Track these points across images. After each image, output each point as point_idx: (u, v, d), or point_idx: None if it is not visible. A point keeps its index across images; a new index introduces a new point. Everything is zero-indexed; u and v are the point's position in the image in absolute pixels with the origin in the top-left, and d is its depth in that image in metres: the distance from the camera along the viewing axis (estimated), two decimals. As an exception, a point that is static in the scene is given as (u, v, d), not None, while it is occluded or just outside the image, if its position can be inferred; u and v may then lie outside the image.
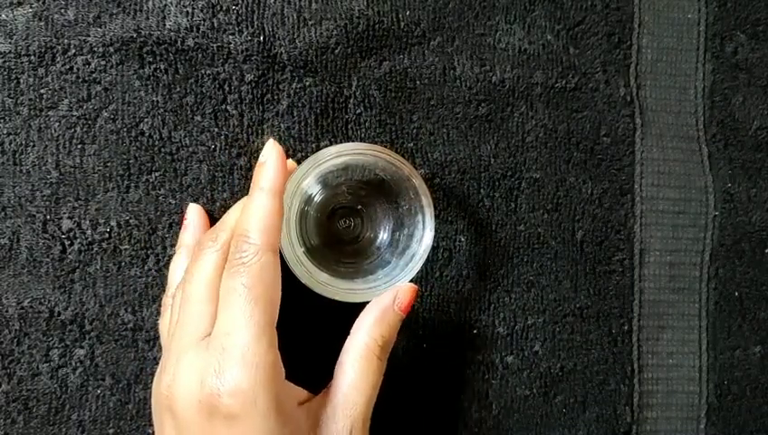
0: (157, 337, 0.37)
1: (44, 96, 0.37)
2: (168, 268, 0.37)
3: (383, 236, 0.38)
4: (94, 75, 0.37)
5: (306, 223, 0.37)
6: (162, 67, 0.37)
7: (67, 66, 0.37)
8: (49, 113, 0.37)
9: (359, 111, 0.39)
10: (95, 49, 0.37)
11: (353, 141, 0.39)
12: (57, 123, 0.37)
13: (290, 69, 0.38)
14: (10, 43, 0.37)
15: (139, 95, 0.37)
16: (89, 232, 0.37)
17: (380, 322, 0.33)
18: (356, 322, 0.33)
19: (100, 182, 0.37)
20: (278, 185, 0.31)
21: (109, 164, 0.37)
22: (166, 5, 0.37)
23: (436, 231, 0.35)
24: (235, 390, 0.27)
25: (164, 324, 0.34)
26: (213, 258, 0.31)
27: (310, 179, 0.34)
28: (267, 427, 0.28)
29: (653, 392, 0.41)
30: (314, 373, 0.34)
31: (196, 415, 0.28)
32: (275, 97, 0.38)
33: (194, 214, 0.36)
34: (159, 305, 0.37)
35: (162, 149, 0.38)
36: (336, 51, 0.38)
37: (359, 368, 0.32)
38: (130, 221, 0.37)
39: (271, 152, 0.31)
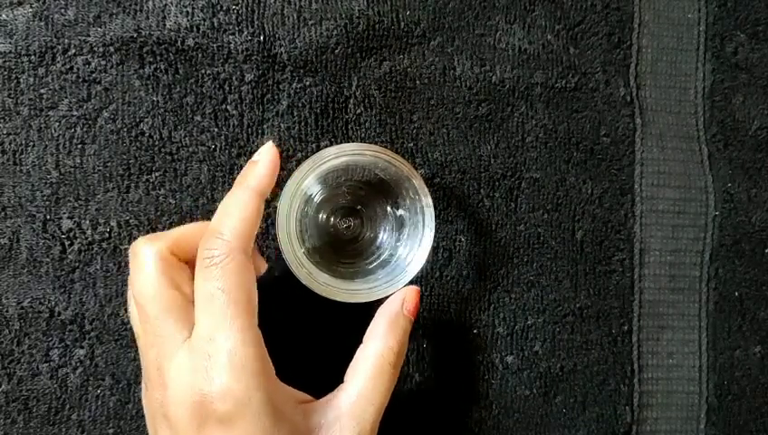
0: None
1: (44, 96, 0.37)
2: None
3: (383, 236, 0.38)
4: (94, 75, 0.37)
5: (306, 223, 0.37)
6: (162, 67, 0.37)
7: (67, 66, 0.37)
8: (49, 113, 0.37)
9: (359, 111, 0.39)
10: (95, 49, 0.37)
11: (353, 141, 0.39)
12: (57, 123, 0.37)
13: (290, 69, 0.38)
14: (10, 43, 0.37)
15: (140, 95, 0.37)
16: (89, 232, 0.37)
17: (393, 328, 0.33)
18: (368, 330, 0.33)
19: (100, 182, 0.37)
20: (265, 186, 0.31)
21: (109, 164, 0.37)
22: (166, 5, 0.37)
23: (436, 231, 0.35)
24: (225, 394, 0.27)
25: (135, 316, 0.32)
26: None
27: (310, 180, 0.34)
28: (262, 427, 0.28)
29: (653, 392, 0.41)
30: (314, 374, 0.34)
31: (190, 420, 0.28)
32: (275, 97, 0.38)
33: (268, 153, 0.32)
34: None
35: (162, 149, 0.38)
36: (336, 51, 0.38)
37: (371, 376, 0.31)
38: (130, 221, 0.37)
39: (267, 153, 0.31)
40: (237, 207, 0.30)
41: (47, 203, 0.37)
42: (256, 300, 0.30)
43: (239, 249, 0.29)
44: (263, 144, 0.38)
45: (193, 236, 0.32)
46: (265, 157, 0.31)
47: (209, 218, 0.37)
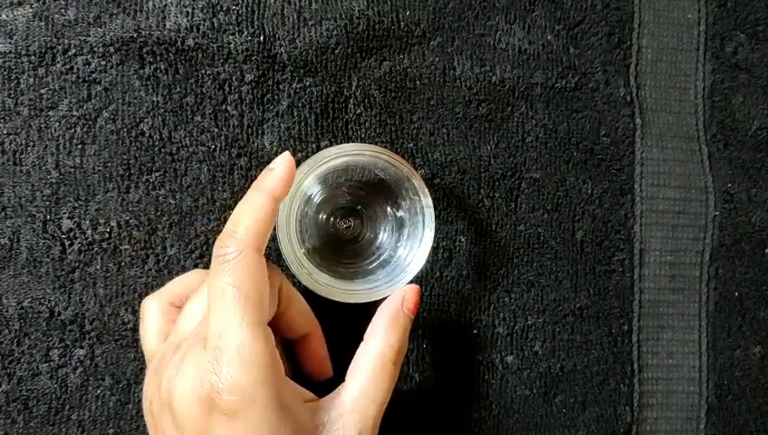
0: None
1: (44, 96, 0.37)
2: (167, 268, 0.37)
3: (383, 236, 0.38)
4: (94, 75, 0.37)
5: (306, 224, 0.37)
6: (162, 67, 0.37)
7: (67, 66, 0.37)
8: (49, 113, 0.37)
9: (359, 111, 0.39)
10: (95, 49, 0.37)
11: (353, 141, 0.39)
12: (57, 123, 0.37)
13: (290, 69, 0.38)
14: (10, 43, 0.37)
15: (140, 95, 0.37)
16: (89, 232, 0.37)
17: (393, 326, 0.33)
18: (369, 328, 0.33)
19: (100, 182, 0.37)
20: (280, 192, 0.31)
21: (109, 164, 0.37)
22: (166, 5, 0.37)
23: (436, 231, 0.35)
24: (234, 387, 0.27)
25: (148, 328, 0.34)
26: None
27: (310, 180, 0.34)
28: (268, 422, 0.28)
29: (653, 392, 0.41)
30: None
31: (197, 411, 0.28)
32: (275, 97, 0.38)
33: (284, 161, 0.32)
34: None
35: (162, 150, 0.38)
36: (336, 51, 0.38)
37: (372, 374, 0.31)
38: (130, 221, 0.37)
39: (283, 161, 0.31)
40: (251, 209, 0.30)
41: (47, 203, 0.37)
42: (267, 298, 0.30)
43: (251, 247, 0.30)
44: (263, 144, 0.38)
45: (187, 286, 0.34)
46: (282, 164, 0.31)
47: (209, 218, 0.38)
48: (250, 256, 0.29)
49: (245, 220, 0.30)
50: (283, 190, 0.31)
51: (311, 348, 0.36)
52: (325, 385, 0.32)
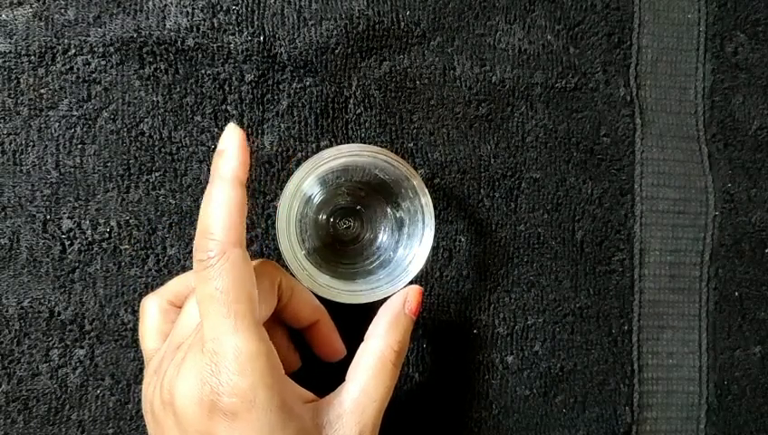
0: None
1: (44, 96, 0.37)
2: (167, 268, 0.37)
3: (383, 236, 0.38)
4: (94, 75, 0.37)
5: (306, 225, 0.37)
6: (162, 67, 0.37)
7: (67, 66, 0.37)
8: (49, 113, 0.37)
9: (359, 111, 0.39)
10: (95, 49, 0.37)
11: (353, 141, 0.39)
12: (57, 123, 0.37)
13: (290, 69, 0.38)
14: (10, 43, 0.37)
15: (140, 95, 0.37)
16: (89, 232, 0.37)
17: (394, 327, 0.33)
18: (369, 328, 0.33)
19: (100, 182, 0.37)
20: (240, 173, 0.30)
21: (109, 164, 0.37)
22: (166, 5, 0.37)
23: (436, 231, 0.35)
24: (233, 389, 0.27)
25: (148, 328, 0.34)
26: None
27: (309, 181, 0.34)
28: (268, 423, 0.28)
29: (653, 392, 0.41)
30: (317, 375, 0.34)
31: (198, 412, 0.28)
32: (275, 97, 0.38)
33: (232, 138, 0.30)
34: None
35: (162, 149, 0.38)
36: (336, 51, 0.38)
37: (372, 374, 0.31)
38: (130, 221, 0.37)
39: (231, 139, 0.30)
40: (219, 203, 0.29)
41: (47, 203, 0.37)
42: (256, 295, 0.30)
43: (232, 245, 0.29)
44: (263, 144, 0.38)
45: (187, 285, 0.34)
46: (230, 143, 0.30)
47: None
48: (233, 256, 0.29)
49: (217, 216, 0.29)
50: (244, 170, 0.30)
51: (321, 334, 0.36)
52: (326, 385, 0.32)
